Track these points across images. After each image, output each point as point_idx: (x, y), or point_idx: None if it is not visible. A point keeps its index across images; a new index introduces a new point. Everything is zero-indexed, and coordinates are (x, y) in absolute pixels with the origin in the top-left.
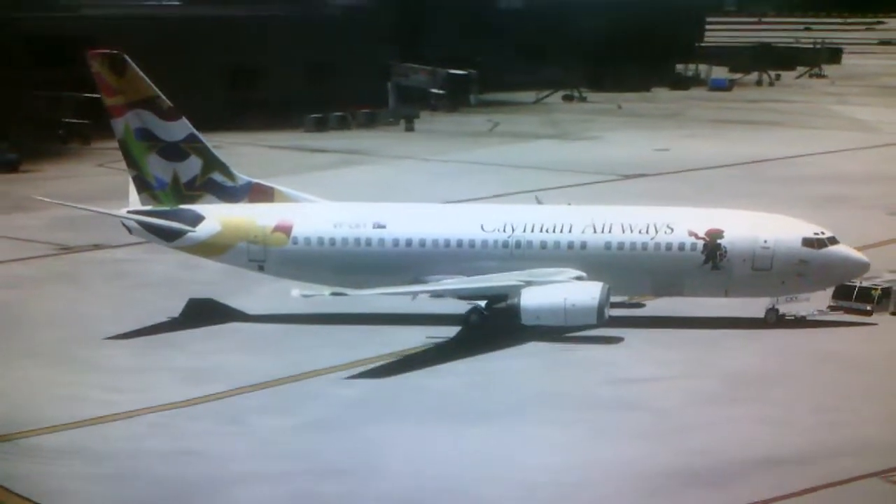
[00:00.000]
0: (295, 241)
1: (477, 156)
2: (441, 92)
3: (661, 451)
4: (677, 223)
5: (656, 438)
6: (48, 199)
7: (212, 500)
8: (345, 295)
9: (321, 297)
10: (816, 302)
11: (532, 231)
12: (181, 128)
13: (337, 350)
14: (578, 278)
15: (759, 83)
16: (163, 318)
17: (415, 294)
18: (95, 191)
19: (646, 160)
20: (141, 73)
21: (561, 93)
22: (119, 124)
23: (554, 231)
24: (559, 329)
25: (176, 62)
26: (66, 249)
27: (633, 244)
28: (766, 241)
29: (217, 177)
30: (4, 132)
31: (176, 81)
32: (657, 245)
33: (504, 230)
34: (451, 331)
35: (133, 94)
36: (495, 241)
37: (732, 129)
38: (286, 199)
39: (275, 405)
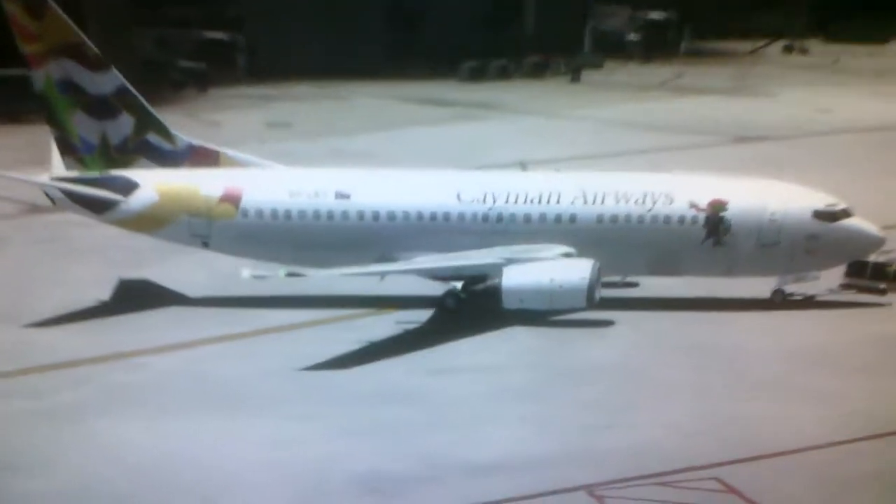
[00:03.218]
0: (245, 214)
1: (613, 112)
2: (636, 38)
3: (384, 452)
4: (677, 193)
5: (399, 437)
6: None
7: None
8: (302, 276)
9: (275, 277)
10: (828, 280)
11: (515, 202)
12: (110, 79)
13: (179, 331)
14: (567, 255)
15: None
16: (51, 289)
17: (383, 274)
18: None
19: (794, 121)
20: (63, 15)
21: (782, 43)
22: (39, 75)
23: (539, 202)
24: (544, 313)
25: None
26: (35, 210)
27: (627, 217)
28: (773, 213)
29: (153, 138)
30: None
31: (340, 25)
32: (654, 218)
33: (483, 201)
34: (422, 315)
35: (54, 40)
36: (473, 214)
37: None
38: (235, 164)
39: (36, 388)
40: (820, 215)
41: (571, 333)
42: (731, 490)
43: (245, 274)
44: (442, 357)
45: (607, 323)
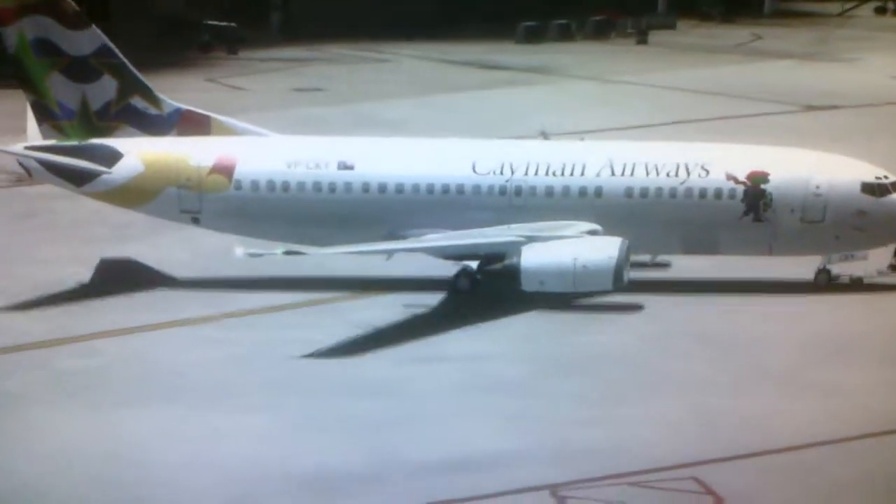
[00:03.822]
0: (238, 186)
1: (678, 78)
2: None
3: (339, 448)
4: (714, 164)
5: (361, 432)
6: None
7: None
8: (301, 255)
9: (272, 256)
10: (876, 260)
11: (536, 174)
12: (91, 39)
13: (153, 313)
14: (592, 233)
15: None
16: (27, 268)
17: (389, 253)
18: None
19: (869, 89)
20: None
21: (874, 3)
22: (11, 34)
23: (562, 174)
24: (567, 296)
25: None
26: (13, 182)
27: (659, 190)
28: (818, 187)
29: (138, 102)
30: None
31: None
32: (688, 191)
33: (501, 172)
34: (432, 298)
35: None
36: (490, 187)
37: None
38: (227, 130)
39: None
40: (869, 189)
41: (582, 319)
42: (708, 491)
43: (239, 253)
44: (434, 344)
45: (626, 307)
